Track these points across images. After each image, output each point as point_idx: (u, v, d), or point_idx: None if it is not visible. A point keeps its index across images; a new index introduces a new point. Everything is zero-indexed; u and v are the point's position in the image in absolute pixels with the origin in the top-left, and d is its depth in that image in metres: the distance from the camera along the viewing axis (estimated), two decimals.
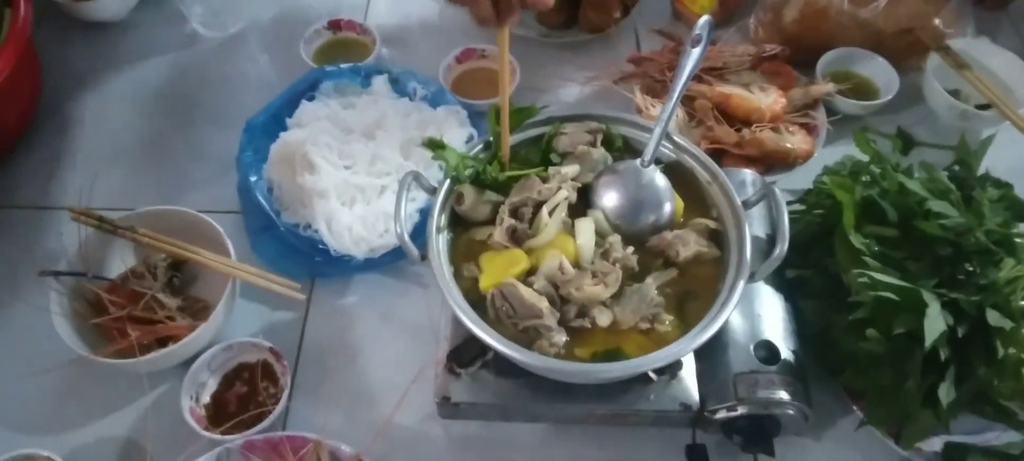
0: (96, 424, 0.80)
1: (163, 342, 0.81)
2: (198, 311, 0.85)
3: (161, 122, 1.08)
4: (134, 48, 1.17)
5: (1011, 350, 0.73)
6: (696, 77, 1.02)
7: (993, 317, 0.72)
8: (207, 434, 0.75)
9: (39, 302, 0.80)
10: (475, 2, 0.69)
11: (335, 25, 1.15)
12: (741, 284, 0.68)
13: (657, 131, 0.76)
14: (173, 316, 0.83)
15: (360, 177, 0.91)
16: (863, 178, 0.86)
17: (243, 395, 0.81)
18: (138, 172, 1.02)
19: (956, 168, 0.90)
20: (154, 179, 1.02)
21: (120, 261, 0.87)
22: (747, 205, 0.74)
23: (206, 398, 0.81)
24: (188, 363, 0.80)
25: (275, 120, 0.98)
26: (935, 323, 0.69)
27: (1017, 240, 0.81)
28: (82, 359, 0.77)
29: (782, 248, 0.68)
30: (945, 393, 0.72)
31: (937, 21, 1.09)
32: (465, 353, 0.74)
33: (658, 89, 1.04)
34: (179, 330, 0.81)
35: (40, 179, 1.01)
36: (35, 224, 0.96)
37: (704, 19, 0.79)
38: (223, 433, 0.75)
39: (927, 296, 0.71)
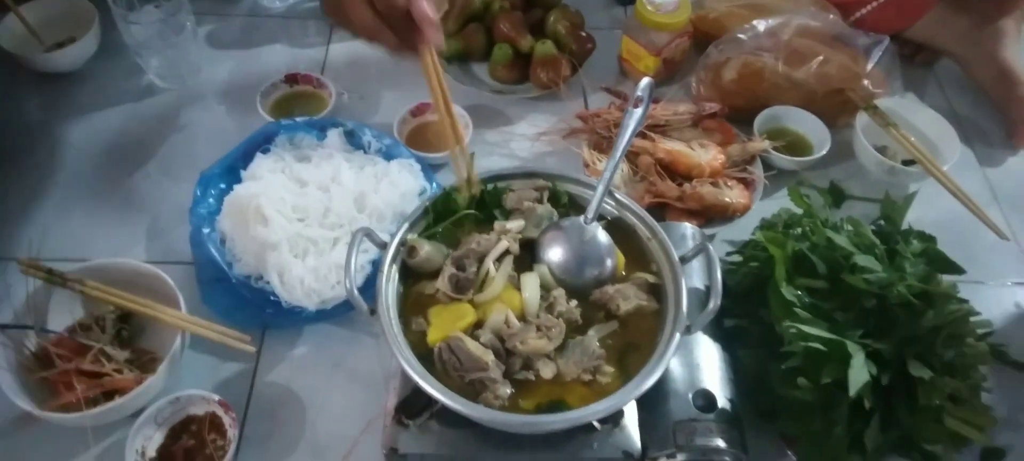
0: None
1: (110, 395, 0.81)
2: (146, 363, 0.85)
3: (114, 173, 1.08)
4: (89, 99, 1.17)
5: (933, 397, 0.78)
6: (640, 134, 1.06)
7: (914, 367, 0.76)
8: None
9: None
10: (377, 35, 0.72)
11: (292, 78, 1.17)
12: (677, 336, 0.71)
13: (600, 189, 0.79)
14: (121, 369, 0.83)
15: (313, 230, 0.92)
16: (795, 232, 0.91)
17: (190, 448, 0.80)
18: (90, 223, 1.02)
19: (882, 222, 0.95)
20: (106, 230, 1.01)
21: (68, 313, 0.87)
22: (684, 260, 0.77)
23: (152, 452, 0.80)
24: (135, 416, 0.79)
25: (230, 172, 0.99)
26: (858, 373, 0.73)
27: (938, 292, 0.86)
28: (26, 414, 0.77)
29: (715, 302, 0.71)
30: (871, 439, 0.76)
31: (866, 82, 1.16)
32: (413, 404, 0.76)
33: (605, 145, 1.09)
34: (126, 383, 0.81)
35: None
36: None
37: (645, 81, 0.83)
38: None
39: (851, 347, 0.75)
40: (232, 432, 0.80)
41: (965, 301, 0.89)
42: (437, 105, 0.77)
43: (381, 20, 0.72)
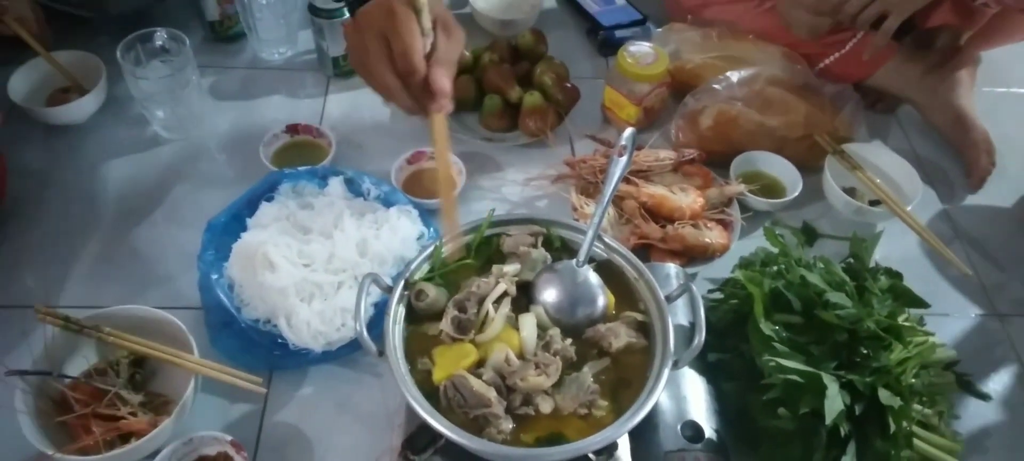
0: None
1: (125, 438, 0.84)
2: (160, 406, 0.88)
3: (123, 222, 1.12)
4: (96, 150, 1.21)
5: (903, 424, 0.83)
6: (624, 180, 1.12)
7: (884, 396, 0.81)
8: None
9: (4, 401, 0.82)
10: (395, 96, 0.76)
11: (293, 129, 1.22)
12: (666, 371, 0.75)
13: (590, 234, 0.85)
14: (135, 412, 0.86)
15: (318, 274, 0.97)
16: (771, 269, 0.97)
17: None
18: (101, 270, 1.06)
19: (851, 260, 1.01)
20: (116, 277, 1.05)
21: (83, 358, 0.90)
22: (669, 299, 0.82)
23: None
24: (151, 457, 0.82)
25: (236, 220, 1.03)
26: (834, 403, 0.79)
27: (904, 325, 0.92)
28: (46, 458, 0.80)
29: (700, 339, 0.76)
30: None
31: (834, 127, 1.24)
32: (418, 441, 0.80)
33: (591, 189, 1.15)
34: (141, 426, 0.84)
35: (3, 279, 1.03)
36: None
37: (629, 132, 0.89)
38: None
39: (826, 379, 0.80)
40: None
41: (931, 333, 0.96)
42: (440, 163, 0.82)
43: (400, 82, 0.76)
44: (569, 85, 1.31)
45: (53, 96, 1.24)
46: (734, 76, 1.23)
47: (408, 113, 0.77)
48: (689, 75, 1.33)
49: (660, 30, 1.42)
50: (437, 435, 0.74)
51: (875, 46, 1.24)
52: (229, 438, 0.85)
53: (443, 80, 0.75)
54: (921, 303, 0.97)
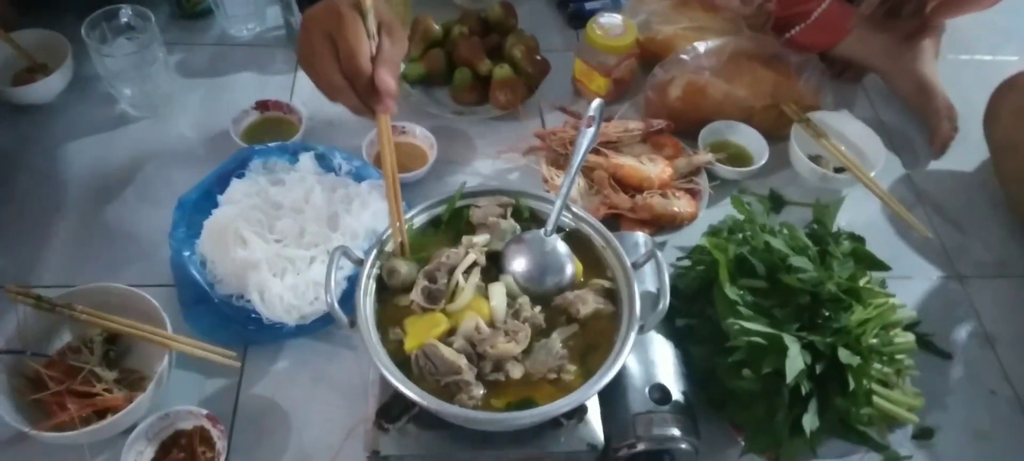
0: None
1: (102, 414, 0.84)
2: (134, 382, 0.89)
3: (93, 200, 1.12)
4: (64, 129, 1.20)
5: (863, 382, 0.86)
6: (594, 150, 1.14)
7: (844, 355, 0.84)
8: None
9: None
10: (341, 96, 0.77)
11: (263, 105, 1.22)
12: (632, 335, 0.77)
13: (558, 204, 0.86)
14: (111, 389, 0.86)
15: (290, 249, 0.97)
16: (737, 237, 0.99)
17: None
18: (72, 248, 1.05)
19: (815, 226, 1.04)
20: (88, 256, 1.05)
21: (57, 337, 0.90)
22: (636, 266, 0.84)
23: None
24: (127, 433, 0.83)
25: (206, 197, 1.03)
26: (794, 362, 0.81)
27: (865, 288, 0.95)
28: (22, 434, 0.80)
29: (664, 303, 0.78)
30: (809, 422, 0.83)
31: (800, 96, 1.26)
32: (392, 409, 0.81)
33: (561, 161, 1.16)
34: (117, 402, 0.85)
35: None
36: None
37: (596, 102, 0.90)
38: None
39: (788, 339, 0.83)
40: (221, 444, 0.84)
41: (891, 295, 0.99)
42: (385, 169, 0.82)
43: (347, 83, 0.77)
44: (539, 58, 1.31)
45: (19, 75, 1.23)
46: (701, 47, 1.24)
47: (354, 113, 0.78)
48: (659, 46, 1.34)
49: (629, 1, 1.42)
50: (410, 403, 0.75)
51: (860, 15, 1.27)
52: (205, 412, 0.86)
53: (389, 81, 0.76)
54: (882, 266, 1.00)
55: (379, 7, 0.78)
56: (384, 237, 0.85)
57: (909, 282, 1.13)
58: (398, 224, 0.84)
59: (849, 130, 1.26)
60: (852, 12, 1.34)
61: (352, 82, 0.76)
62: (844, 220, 1.14)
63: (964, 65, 1.54)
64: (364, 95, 0.77)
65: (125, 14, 1.18)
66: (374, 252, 0.83)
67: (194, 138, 1.22)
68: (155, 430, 0.86)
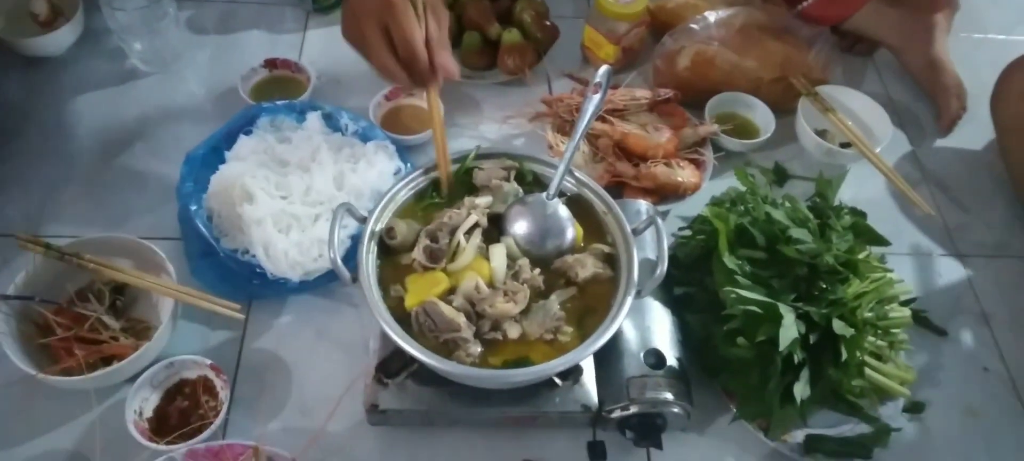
0: (44, 438, 0.85)
1: (108, 361, 0.87)
2: (141, 332, 0.91)
3: (102, 153, 1.13)
4: (74, 82, 1.21)
5: (855, 353, 0.87)
6: (599, 118, 1.14)
7: (838, 326, 0.85)
8: (151, 445, 0.81)
9: None
10: (396, 78, 0.83)
11: (271, 63, 1.23)
12: (629, 299, 0.78)
13: (561, 168, 0.87)
14: (117, 337, 0.89)
15: (295, 206, 0.99)
16: (738, 208, 1.00)
17: (184, 409, 0.87)
18: (81, 201, 1.07)
19: (817, 199, 1.04)
20: (97, 208, 1.06)
21: (65, 285, 0.92)
22: (636, 232, 0.85)
23: (149, 412, 0.86)
24: (132, 380, 0.86)
25: (214, 153, 1.04)
26: (788, 331, 0.82)
27: (863, 261, 0.95)
28: (30, 378, 0.82)
29: (662, 269, 0.80)
30: (800, 390, 0.84)
31: (809, 69, 1.26)
32: (392, 365, 0.83)
33: (567, 127, 1.16)
34: (123, 349, 0.87)
35: None
36: None
37: (603, 69, 0.91)
38: (167, 444, 0.82)
39: (783, 309, 0.84)
40: (224, 393, 0.87)
41: (890, 270, 0.99)
42: (436, 132, 0.88)
43: (400, 64, 0.81)
44: (549, 23, 1.31)
45: (27, 28, 1.23)
46: (712, 17, 1.24)
47: (404, 89, 0.81)
48: (669, 14, 1.34)
49: None
50: (409, 359, 0.78)
51: None
52: (209, 362, 0.88)
53: (450, 63, 0.84)
54: (882, 241, 1.00)
55: None
56: (388, 196, 0.86)
57: (910, 258, 1.14)
58: (446, 169, 0.89)
59: (857, 105, 1.25)
60: None
61: (409, 66, 0.82)
62: (848, 195, 1.14)
63: (977, 44, 1.53)
64: (421, 77, 0.82)
65: None
66: (377, 210, 0.84)
67: (203, 94, 1.23)
68: (160, 378, 0.88)
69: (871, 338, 0.92)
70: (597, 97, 0.90)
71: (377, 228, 0.84)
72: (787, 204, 0.98)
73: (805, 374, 0.85)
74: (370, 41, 0.82)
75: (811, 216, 0.97)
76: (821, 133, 1.21)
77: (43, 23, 1.23)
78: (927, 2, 1.34)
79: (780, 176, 1.19)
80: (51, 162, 1.11)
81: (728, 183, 1.10)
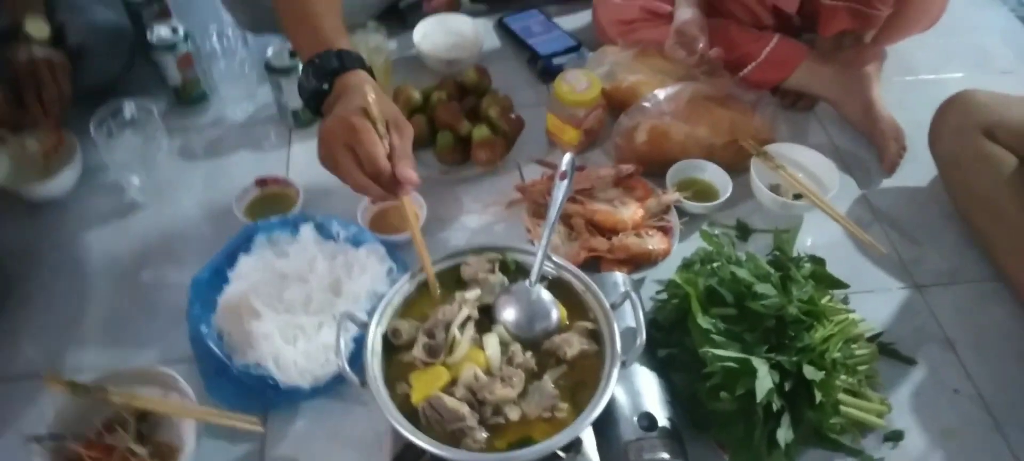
0: None
1: None
2: (167, 454, 0.96)
3: (112, 286, 1.19)
4: (78, 221, 1.28)
5: (829, 394, 0.94)
6: (571, 199, 1.23)
7: (809, 371, 0.92)
8: None
9: None
10: (368, 191, 0.91)
11: (262, 182, 1.30)
12: (616, 371, 0.85)
13: (539, 256, 0.93)
14: None
15: (299, 317, 1.05)
16: (709, 267, 1.08)
17: None
18: (97, 335, 1.12)
19: (776, 253, 1.13)
20: (113, 339, 1.11)
21: (93, 418, 0.97)
22: (614, 307, 0.92)
23: None
24: None
25: (218, 274, 1.10)
26: (763, 382, 0.89)
27: (826, 306, 1.03)
28: None
29: (641, 339, 0.86)
30: (783, 435, 0.90)
31: (756, 130, 1.36)
32: (405, 458, 0.89)
33: (542, 210, 1.23)
34: None
35: (6, 354, 1.10)
36: (7, 395, 1.04)
37: (567, 157, 0.98)
38: None
39: (756, 362, 0.91)
40: None
41: (851, 311, 1.07)
42: (414, 233, 0.95)
43: (370, 181, 0.90)
44: (514, 116, 1.40)
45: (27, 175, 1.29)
46: (661, 93, 1.34)
47: (379, 200, 0.88)
48: (624, 94, 1.43)
49: (594, 54, 1.53)
50: (421, 451, 0.83)
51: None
52: None
53: (409, 172, 0.91)
54: (840, 284, 1.08)
55: (382, 105, 0.92)
56: (384, 301, 0.93)
57: (871, 295, 1.21)
58: (429, 269, 0.95)
59: (804, 158, 1.34)
60: (798, 46, 1.45)
61: (375, 180, 0.90)
62: (808, 241, 1.23)
63: (909, 86, 1.64)
64: (387, 187, 0.91)
65: (129, 109, 1.26)
66: (377, 314, 0.91)
67: (200, 217, 1.30)
68: None
69: (844, 376, 0.98)
70: (565, 183, 0.97)
71: (379, 332, 0.91)
72: (750, 262, 1.06)
73: (786, 419, 0.91)
74: (340, 163, 0.91)
75: (772, 270, 1.04)
76: (774, 188, 1.30)
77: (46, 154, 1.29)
78: (856, 57, 1.45)
79: (743, 231, 1.28)
80: (64, 300, 1.17)
81: (696, 244, 1.16)
